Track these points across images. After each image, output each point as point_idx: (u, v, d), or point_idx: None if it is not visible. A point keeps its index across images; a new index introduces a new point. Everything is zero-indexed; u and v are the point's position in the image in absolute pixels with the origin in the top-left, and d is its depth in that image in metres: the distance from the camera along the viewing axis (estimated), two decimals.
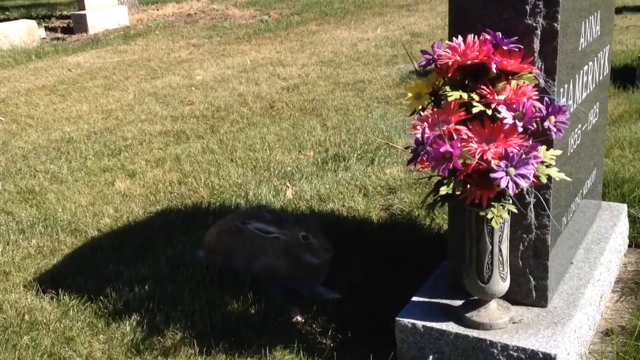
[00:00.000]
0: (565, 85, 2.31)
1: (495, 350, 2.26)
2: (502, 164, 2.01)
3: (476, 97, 2.10)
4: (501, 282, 2.29)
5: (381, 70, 6.99)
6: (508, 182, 2.00)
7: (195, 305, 2.86)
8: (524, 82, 2.12)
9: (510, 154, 2.01)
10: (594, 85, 2.69)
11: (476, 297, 2.36)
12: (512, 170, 2.01)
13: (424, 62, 2.22)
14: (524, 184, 2.01)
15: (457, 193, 2.09)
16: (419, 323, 2.39)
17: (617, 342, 2.54)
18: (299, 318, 2.79)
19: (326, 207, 3.77)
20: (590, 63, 2.61)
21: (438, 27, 9.00)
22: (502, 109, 2.07)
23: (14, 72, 8.32)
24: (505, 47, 2.12)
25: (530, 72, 2.14)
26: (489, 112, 2.08)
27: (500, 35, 2.13)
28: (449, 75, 2.16)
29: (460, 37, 2.17)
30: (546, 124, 2.08)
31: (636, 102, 5.09)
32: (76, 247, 3.61)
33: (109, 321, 2.85)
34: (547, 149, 2.12)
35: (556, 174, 2.10)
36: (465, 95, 2.10)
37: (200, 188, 4.25)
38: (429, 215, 2.28)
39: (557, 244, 2.45)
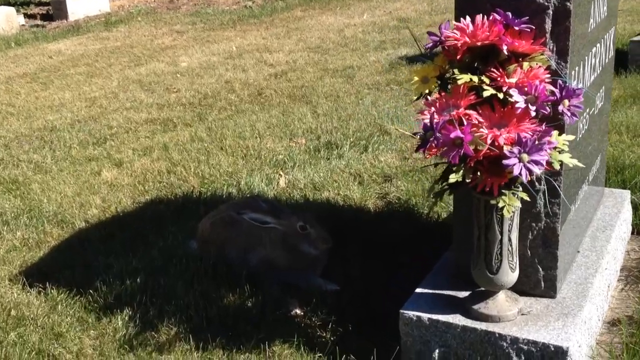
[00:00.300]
0: (577, 68, 2.23)
1: (505, 343, 2.18)
2: (515, 150, 1.92)
3: (487, 80, 2.01)
4: (510, 273, 2.20)
5: (370, 56, 6.89)
6: (521, 169, 1.91)
7: (189, 299, 2.76)
8: (537, 64, 2.03)
9: (524, 140, 1.92)
10: (600, 68, 2.62)
11: (483, 289, 2.27)
12: (525, 157, 1.92)
13: (430, 44, 2.12)
14: (537, 170, 1.92)
15: (468, 181, 2.00)
16: (424, 316, 2.30)
17: (625, 332, 2.47)
18: (298, 311, 2.70)
19: (321, 196, 3.67)
20: (598, 45, 2.53)
21: (425, 12, 8.91)
22: (514, 92, 1.98)
23: None
24: (516, 28, 2.02)
25: (542, 54, 2.05)
26: (500, 95, 1.99)
27: (511, 15, 2.03)
28: (458, 57, 2.06)
29: (468, 18, 2.07)
30: (560, 107, 1.99)
31: (630, 87, 5.03)
32: (63, 239, 3.49)
33: (99, 316, 2.75)
34: (559, 134, 2.04)
35: (569, 159, 2.02)
36: (475, 79, 2.00)
37: (190, 177, 4.14)
38: (436, 204, 2.18)
39: (565, 232, 2.37)
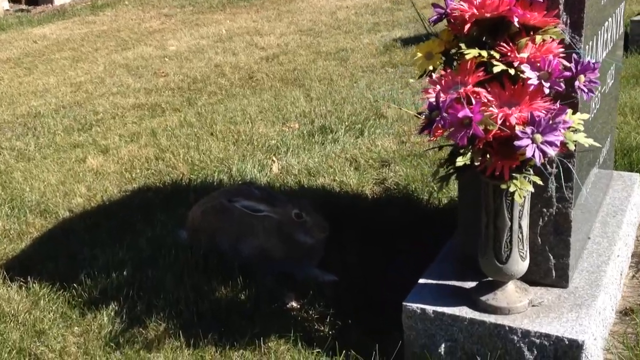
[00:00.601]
0: (590, 42, 2.08)
1: (516, 337, 2.05)
2: (528, 130, 1.78)
3: (497, 55, 1.86)
4: (520, 262, 2.07)
5: (363, 38, 6.72)
6: (534, 151, 1.77)
7: (179, 292, 2.62)
8: (550, 38, 1.89)
9: (537, 119, 1.78)
10: (612, 44, 2.47)
11: (492, 279, 2.14)
12: (538, 137, 1.78)
13: (435, 17, 1.98)
14: (551, 152, 1.78)
15: (476, 164, 1.86)
16: (429, 308, 2.16)
17: (638, 322, 2.34)
18: (294, 304, 2.56)
19: (316, 182, 3.52)
20: (610, 19, 2.39)
21: None
22: (526, 68, 1.83)
23: None
24: None
25: (556, 27, 1.90)
26: (512, 71, 1.84)
27: None
28: (465, 30, 1.91)
29: None
30: (576, 83, 1.85)
31: (632, 67, 4.90)
32: (46, 230, 3.34)
33: (84, 311, 2.60)
34: (573, 113, 1.89)
35: (584, 139, 1.88)
36: (484, 53, 1.85)
37: (179, 164, 3.98)
38: (442, 189, 2.04)
39: (575, 217, 2.23)
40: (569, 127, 1.86)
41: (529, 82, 1.82)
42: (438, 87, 1.90)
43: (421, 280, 2.31)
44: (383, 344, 2.27)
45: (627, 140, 3.46)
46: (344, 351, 2.25)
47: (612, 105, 2.72)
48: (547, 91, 1.83)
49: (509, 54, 1.86)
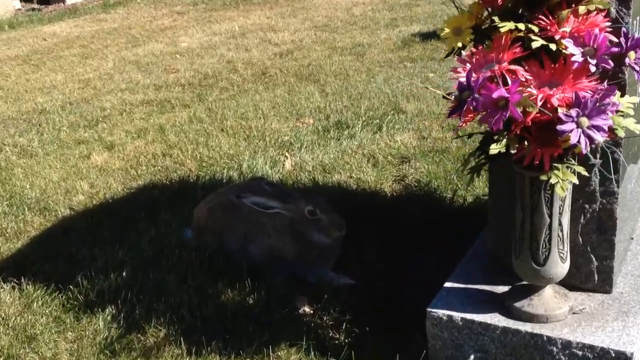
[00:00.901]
0: (638, 17, 1.86)
1: (555, 348, 1.83)
2: (573, 112, 1.56)
3: (535, 29, 1.64)
4: (560, 264, 1.84)
5: (381, 33, 6.50)
6: (580, 136, 1.55)
7: (182, 295, 2.45)
8: (595, 10, 1.66)
9: (583, 100, 1.56)
10: None
11: (527, 282, 1.91)
12: (584, 121, 1.56)
13: None
14: (599, 138, 1.56)
15: (512, 152, 1.64)
16: (457, 315, 1.95)
17: None
18: (307, 309, 2.36)
19: (331, 179, 3.32)
20: None
21: None
22: (569, 43, 1.62)
23: None
24: None
25: None
26: (553, 47, 1.62)
27: None
28: (499, 1, 1.70)
29: None
30: (626, 60, 1.63)
31: None
32: (45, 229, 3.16)
33: (79, 315, 2.42)
34: (621, 95, 1.67)
35: (634, 125, 1.65)
36: (521, 26, 1.64)
37: (187, 160, 3.79)
38: (472, 181, 1.82)
39: (619, 215, 2.00)
40: (617, 111, 1.64)
41: (573, 59, 1.60)
42: (468, 65, 1.69)
43: (447, 284, 2.09)
44: (404, 354, 2.06)
45: None
46: None
47: None
48: (592, 69, 1.61)
49: (548, 27, 1.65)
